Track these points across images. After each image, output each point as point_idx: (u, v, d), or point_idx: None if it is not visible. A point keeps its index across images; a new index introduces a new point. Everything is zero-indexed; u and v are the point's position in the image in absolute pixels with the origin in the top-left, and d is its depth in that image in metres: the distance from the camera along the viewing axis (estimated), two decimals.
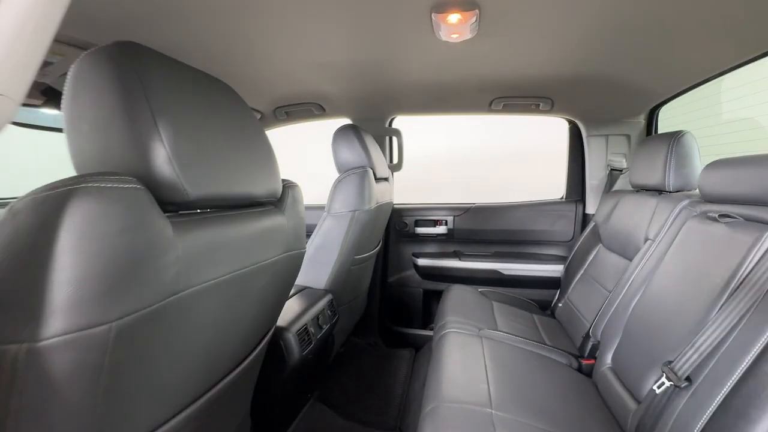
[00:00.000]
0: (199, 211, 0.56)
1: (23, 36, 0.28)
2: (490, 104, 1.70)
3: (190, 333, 0.53)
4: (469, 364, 1.09)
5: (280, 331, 1.10)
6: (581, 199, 1.89)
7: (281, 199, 0.79)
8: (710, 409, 0.71)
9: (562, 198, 1.97)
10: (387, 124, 1.98)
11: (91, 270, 0.36)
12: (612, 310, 1.24)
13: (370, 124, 1.88)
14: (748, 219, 0.89)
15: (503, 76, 1.43)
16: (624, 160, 1.73)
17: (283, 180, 0.80)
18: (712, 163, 1.04)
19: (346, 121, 1.99)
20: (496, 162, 2.85)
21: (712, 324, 0.81)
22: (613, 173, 1.75)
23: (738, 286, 0.81)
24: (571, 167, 1.91)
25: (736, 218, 0.92)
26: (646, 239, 1.25)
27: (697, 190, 1.27)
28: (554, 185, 2.02)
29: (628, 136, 1.71)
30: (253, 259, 0.64)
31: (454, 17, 0.95)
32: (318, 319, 1.28)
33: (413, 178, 2.35)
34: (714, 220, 0.96)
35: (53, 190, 0.36)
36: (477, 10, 0.92)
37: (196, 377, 0.59)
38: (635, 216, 1.38)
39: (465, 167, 2.87)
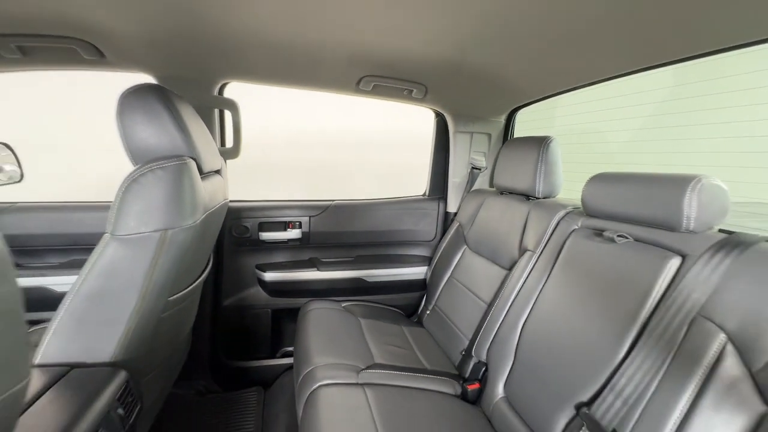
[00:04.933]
0: None
1: None
2: (359, 82, 1.37)
3: None
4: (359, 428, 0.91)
5: None
6: (443, 196, 1.81)
7: None
8: None
9: (424, 195, 1.85)
10: (216, 92, 1.40)
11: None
12: (497, 328, 1.15)
13: (188, 89, 1.27)
14: (638, 240, 0.88)
15: (378, 51, 1.13)
16: (484, 159, 1.72)
17: None
18: (598, 175, 1.01)
19: (146, 78, 1.30)
20: (354, 147, 2.54)
21: (631, 365, 0.74)
22: (474, 172, 1.72)
23: (648, 319, 0.77)
24: (436, 162, 1.79)
25: (627, 238, 0.90)
26: (524, 249, 1.20)
27: (558, 197, 1.32)
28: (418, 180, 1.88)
29: (489, 136, 1.69)
30: None
31: None
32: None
33: (249, 160, 1.82)
34: (610, 240, 0.92)
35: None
36: None
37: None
38: (505, 221, 1.34)
39: (318, 150, 2.44)
